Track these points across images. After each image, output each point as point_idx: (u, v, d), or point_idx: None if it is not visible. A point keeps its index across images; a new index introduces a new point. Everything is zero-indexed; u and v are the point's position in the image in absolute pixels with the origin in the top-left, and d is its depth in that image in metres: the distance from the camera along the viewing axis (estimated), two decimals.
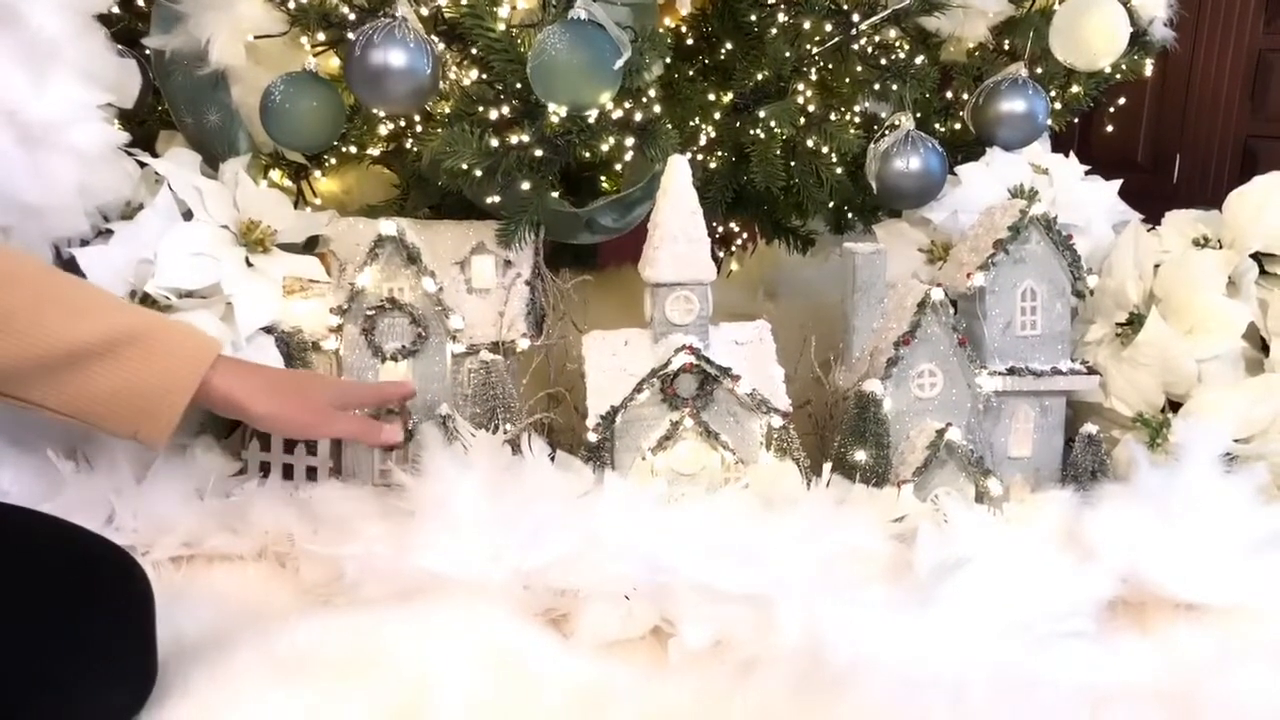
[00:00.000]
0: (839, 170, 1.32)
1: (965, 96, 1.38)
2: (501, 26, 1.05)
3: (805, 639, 0.80)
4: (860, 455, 1.06)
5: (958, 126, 1.42)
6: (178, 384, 0.89)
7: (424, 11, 1.07)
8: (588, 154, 1.10)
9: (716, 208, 1.42)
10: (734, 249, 1.88)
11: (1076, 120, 1.45)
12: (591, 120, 1.07)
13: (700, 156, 1.33)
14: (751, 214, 1.51)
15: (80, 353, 0.86)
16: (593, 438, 1.04)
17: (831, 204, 1.42)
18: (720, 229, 1.82)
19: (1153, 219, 1.35)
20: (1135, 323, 1.16)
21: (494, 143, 1.05)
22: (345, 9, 1.12)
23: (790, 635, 0.81)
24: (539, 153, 1.06)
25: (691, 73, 1.36)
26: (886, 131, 1.27)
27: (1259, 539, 0.98)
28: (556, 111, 1.05)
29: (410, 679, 0.76)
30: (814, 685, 0.75)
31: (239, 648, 0.79)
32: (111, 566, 0.79)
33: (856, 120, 1.31)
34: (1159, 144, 2.88)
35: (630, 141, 1.10)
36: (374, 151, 1.26)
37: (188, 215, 1.09)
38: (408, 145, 1.21)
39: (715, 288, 1.08)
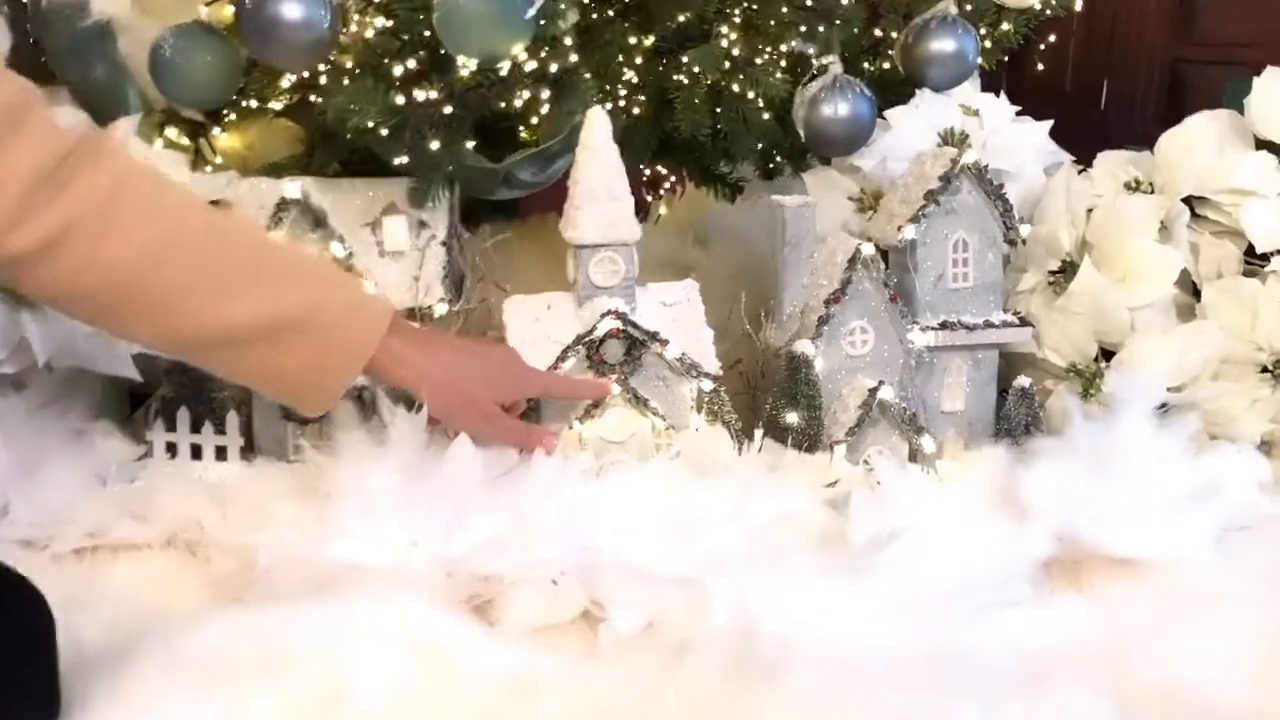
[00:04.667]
0: (766, 116, 1.27)
1: (894, 35, 1.34)
2: None
3: (737, 619, 0.78)
4: (792, 417, 1.03)
5: (886, 66, 1.38)
6: (335, 374, 0.86)
7: None
8: (502, 107, 1.04)
9: (641, 155, 1.37)
10: (663, 192, 1.83)
11: (1006, 57, 1.42)
12: (504, 73, 1.01)
13: (623, 103, 1.28)
14: (678, 160, 1.46)
15: (233, 338, 0.82)
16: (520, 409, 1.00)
17: (760, 149, 1.38)
18: (648, 171, 1.77)
19: (1081, 145, 1.32)
20: (1068, 271, 1.14)
21: (400, 100, 0.98)
22: None
23: (722, 615, 0.79)
24: (449, 110, 1.00)
25: (611, 13, 1.30)
26: (814, 76, 1.22)
27: (1192, 491, 0.97)
28: (466, 64, 0.99)
29: (326, 678, 0.72)
30: (747, 671, 0.73)
31: (142, 655, 0.74)
32: (8, 590, 0.74)
33: (783, 63, 1.26)
34: (1086, 70, 2.86)
35: (546, 94, 1.04)
36: (276, 105, 1.19)
37: None
38: (312, 98, 1.14)
39: (644, 234, 1.04)
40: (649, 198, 1.84)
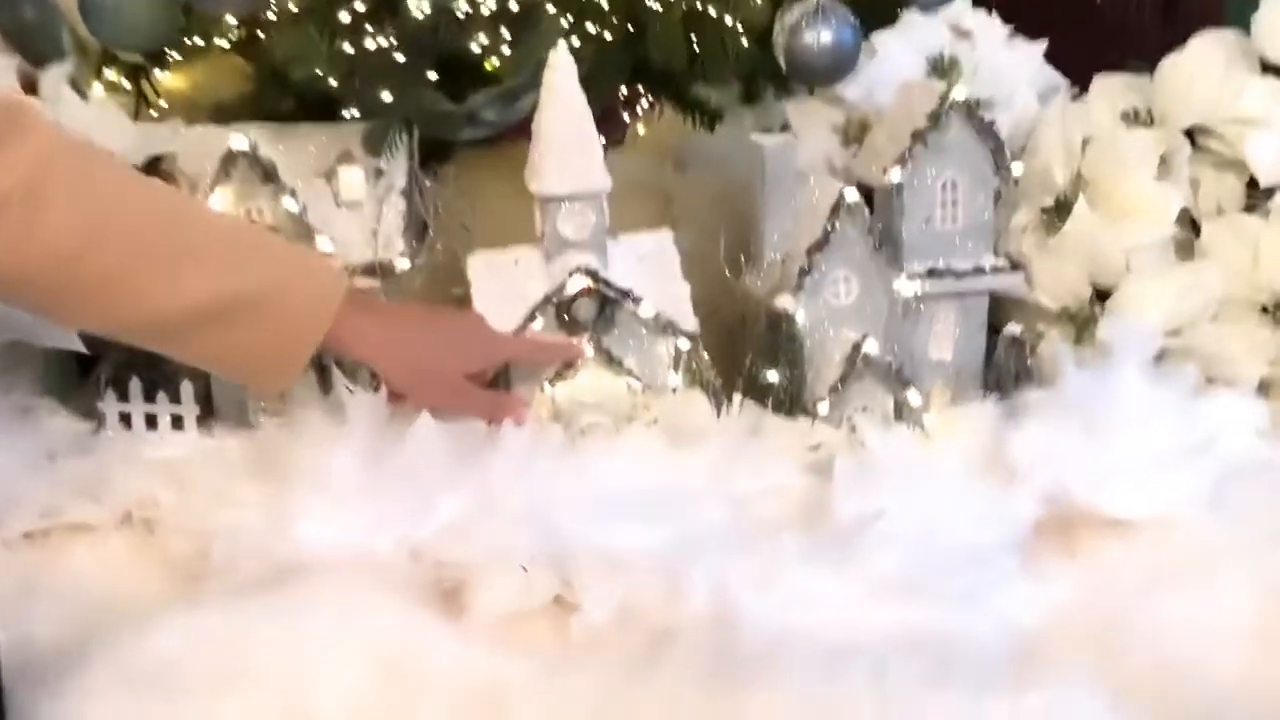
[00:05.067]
0: (745, 43, 1.19)
1: None
2: None
3: (716, 608, 0.75)
4: (773, 375, 0.99)
5: None
6: (291, 353, 0.82)
7: None
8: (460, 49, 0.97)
9: (613, 84, 1.30)
10: (640, 112, 1.75)
11: None
12: (460, 14, 0.93)
13: (592, 30, 1.20)
14: (653, 87, 1.38)
15: (182, 321, 0.78)
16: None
17: (740, 73, 1.31)
18: (625, 91, 1.69)
19: (1073, 47, 1.25)
20: (1061, 208, 1.08)
21: (348, 48, 0.91)
22: None
23: (700, 603, 0.76)
24: (401, 57, 0.93)
25: None
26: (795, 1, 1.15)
27: (1188, 445, 0.94)
28: (419, 6, 0.91)
29: (283, 693, 0.69)
30: (725, 669, 0.70)
31: (91, 664, 0.71)
32: None
33: None
34: None
35: (507, 34, 0.97)
36: (223, 43, 1.11)
37: None
38: (260, 35, 1.07)
39: (620, 157, 0.98)
40: (626, 118, 1.77)
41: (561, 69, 0.94)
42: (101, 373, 1.00)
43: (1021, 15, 1.32)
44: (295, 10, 0.94)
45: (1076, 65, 1.27)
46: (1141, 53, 1.17)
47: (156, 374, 0.98)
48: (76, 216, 0.73)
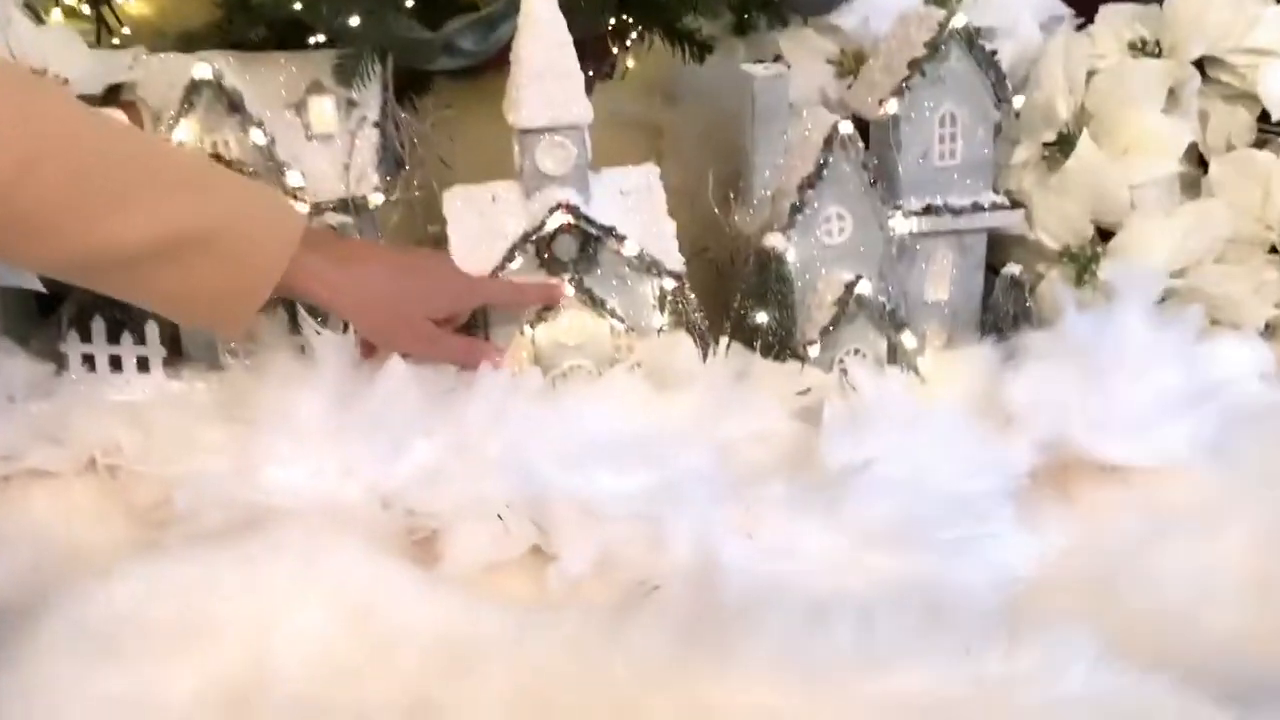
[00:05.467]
0: None
1: None
2: None
3: (698, 558, 0.72)
4: (762, 317, 0.95)
5: None
6: (246, 293, 0.77)
7: None
8: None
9: (600, 13, 1.24)
10: (629, 43, 1.69)
11: None
12: None
13: None
14: (640, 16, 1.33)
15: (130, 257, 0.73)
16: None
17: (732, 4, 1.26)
18: (612, 20, 1.63)
19: None
20: (1064, 143, 1.04)
21: None
22: None
23: (681, 554, 0.73)
24: None
25: None
26: None
27: (1190, 391, 0.90)
28: None
29: (246, 652, 0.66)
30: (708, 621, 0.67)
31: (50, 622, 0.68)
32: None
33: None
34: None
35: None
36: None
37: None
38: None
39: (609, 90, 0.94)
40: (614, 49, 1.71)
41: None
42: (64, 313, 0.96)
43: None
44: None
45: None
46: None
47: (121, 314, 0.94)
48: (14, 147, 0.68)
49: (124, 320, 0.95)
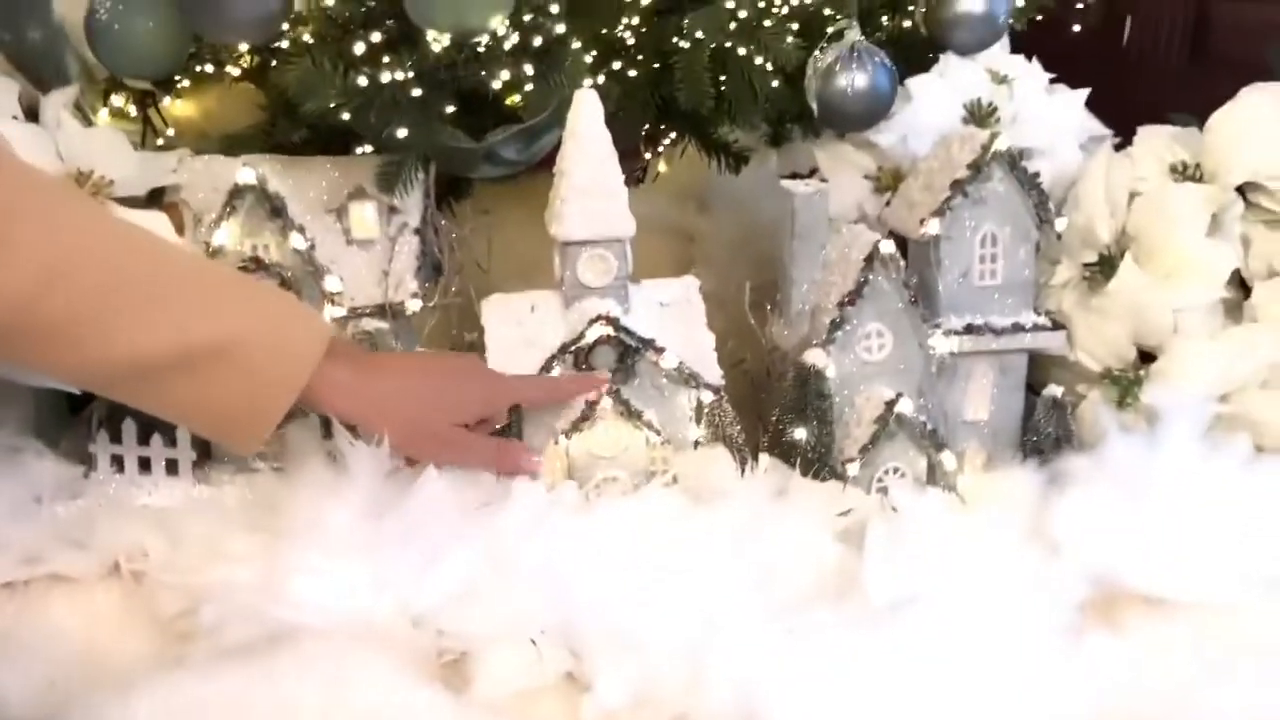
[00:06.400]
0: (775, 83, 1.15)
1: None
2: None
3: (738, 699, 0.69)
4: (801, 433, 0.93)
5: (906, 24, 1.26)
6: (265, 407, 0.76)
7: None
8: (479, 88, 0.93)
9: (639, 123, 1.26)
10: (662, 149, 1.71)
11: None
12: (482, 49, 0.89)
13: (617, 67, 1.16)
14: (678, 126, 1.34)
15: (150, 367, 0.73)
16: (496, 423, 0.91)
17: (767, 113, 1.27)
18: (647, 126, 1.64)
19: (1103, 82, 1.20)
20: (1105, 265, 1.03)
21: (362, 81, 0.87)
22: None
23: (720, 693, 0.70)
24: (418, 91, 0.88)
25: None
26: (828, 42, 1.10)
27: (1242, 524, 0.88)
28: (438, 39, 0.87)
29: None
30: None
31: None
32: None
33: (794, 25, 1.14)
34: (1109, 5, 2.71)
35: (530, 70, 0.93)
36: (234, 70, 1.07)
37: None
38: (273, 63, 1.03)
39: (641, 195, 0.94)
40: (647, 154, 1.73)
41: (586, 110, 0.90)
42: (94, 413, 0.95)
43: (1046, 53, 1.27)
44: (309, 40, 0.89)
45: (1104, 104, 1.23)
46: (1169, 91, 1.13)
47: (151, 416, 0.93)
48: (37, 262, 0.68)
49: (154, 422, 0.93)
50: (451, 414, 0.86)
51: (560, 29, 0.92)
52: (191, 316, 0.74)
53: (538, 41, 0.90)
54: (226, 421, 0.77)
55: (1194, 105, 1.13)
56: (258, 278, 0.93)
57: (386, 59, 0.88)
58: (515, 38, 0.90)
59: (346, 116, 0.89)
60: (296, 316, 0.81)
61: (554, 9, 0.92)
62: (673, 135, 1.66)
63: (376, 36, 0.87)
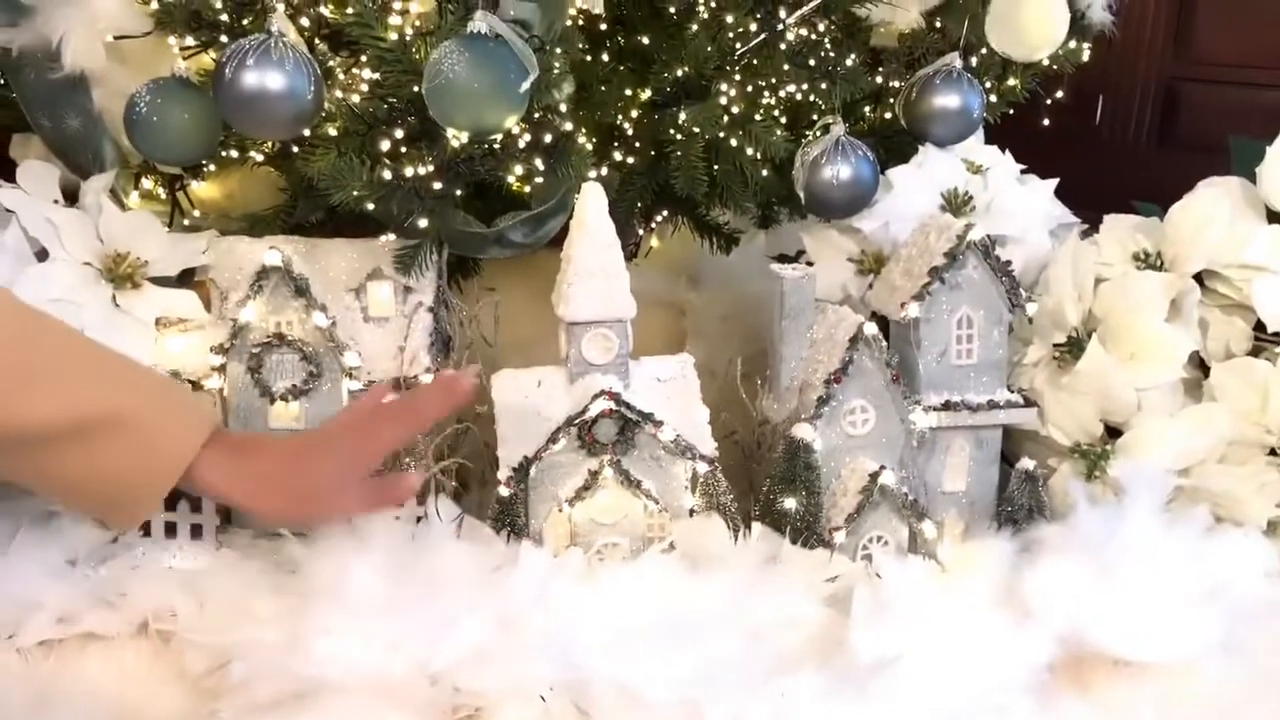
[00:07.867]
0: (765, 172, 1.23)
1: (895, 84, 1.31)
2: (394, 36, 0.94)
3: None
4: (790, 502, 1.00)
5: (888, 115, 1.34)
6: (151, 481, 0.79)
7: (304, 21, 0.95)
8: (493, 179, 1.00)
9: (636, 205, 1.33)
10: (654, 225, 1.79)
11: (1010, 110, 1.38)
12: (497, 145, 0.96)
13: (618, 156, 1.24)
14: (673, 209, 1.42)
15: (39, 435, 0.74)
16: (505, 491, 0.97)
17: (758, 201, 1.35)
18: (641, 205, 1.72)
19: (1075, 159, 1.27)
20: (1073, 346, 1.10)
21: (387, 174, 0.94)
22: (218, 3, 1.00)
23: None
24: (438, 185, 0.95)
25: (605, 56, 1.26)
26: (815, 134, 1.18)
27: (1202, 590, 0.94)
28: (457, 136, 0.94)
29: None
30: None
31: None
32: None
33: (782, 119, 1.22)
34: (1082, 83, 2.82)
35: (540, 164, 1.00)
36: (258, 155, 1.14)
37: (42, 254, 0.97)
38: (295, 150, 1.10)
39: (634, 270, 1.00)
40: (640, 231, 1.81)
41: (593, 202, 0.97)
42: None
43: (1022, 137, 1.36)
44: (334, 134, 0.97)
45: (1074, 186, 1.31)
46: (1139, 172, 1.20)
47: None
48: None
49: (179, 487, 0.99)
50: (326, 480, 0.85)
51: (568, 126, 1.00)
52: (87, 386, 0.76)
53: (548, 138, 0.97)
54: (114, 495, 0.78)
55: (1162, 186, 1.21)
56: (280, 352, 1.00)
57: (406, 151, 0.95)
58: (527, 135, 0.97)
59: (371, 207, 0.96)
60: (184, 397, 0.84)
61: (563, 108, 1.00)
62: (665, 213, 1.76)
63: (400, 133, 0.94)
